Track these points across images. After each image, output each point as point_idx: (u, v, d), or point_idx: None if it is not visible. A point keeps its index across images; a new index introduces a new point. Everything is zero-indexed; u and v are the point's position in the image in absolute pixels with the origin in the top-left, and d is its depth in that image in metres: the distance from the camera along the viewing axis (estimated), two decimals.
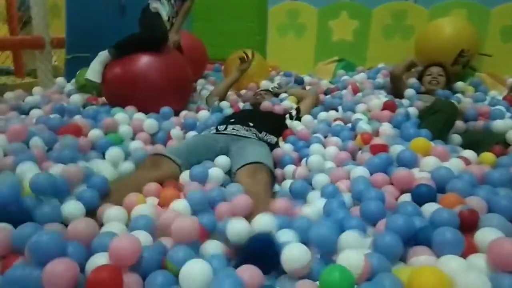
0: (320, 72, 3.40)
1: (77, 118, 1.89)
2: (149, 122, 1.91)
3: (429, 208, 1.11)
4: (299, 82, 3.03)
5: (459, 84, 2.76)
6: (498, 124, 1.98)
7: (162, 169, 1.43)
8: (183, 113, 2.23)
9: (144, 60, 2.13)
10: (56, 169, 1.29)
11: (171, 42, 2.35)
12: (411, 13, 3.47)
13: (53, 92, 2.57)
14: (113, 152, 1.58)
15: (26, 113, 2.14)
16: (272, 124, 1.95)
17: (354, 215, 1.14)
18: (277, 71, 3.51)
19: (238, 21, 3.94)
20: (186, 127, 2.07)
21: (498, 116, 2.10)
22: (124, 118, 1.93)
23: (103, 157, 1.61)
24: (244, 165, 1.44)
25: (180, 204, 1.18)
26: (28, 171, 1.27)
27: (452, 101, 2.17)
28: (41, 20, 2.77)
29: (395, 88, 2.57)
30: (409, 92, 2.47)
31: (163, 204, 1.24)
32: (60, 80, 2.71)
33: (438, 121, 1.91)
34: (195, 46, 3.19)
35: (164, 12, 2.36)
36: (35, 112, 2.07)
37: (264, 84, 2.94)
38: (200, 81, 3.14)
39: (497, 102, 2.38)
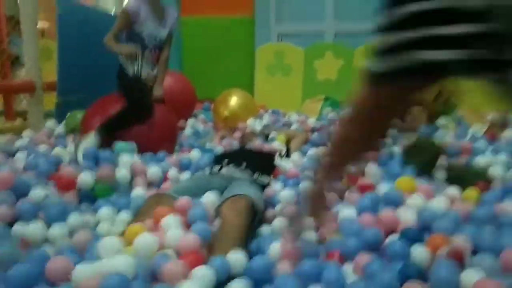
0: (307, 110, 3.49)
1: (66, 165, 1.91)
2: (154, 170, 1.90)
3: (417, 249, 1.14)
4: (288, 125, 3.11)
5: (441, 121, 2.86)
6: (479, 160, 2.05)
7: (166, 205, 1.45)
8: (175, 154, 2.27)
9: None
10: None
11: (155, 98, 2.34)
12: None
13: (43, 134, 2.59)
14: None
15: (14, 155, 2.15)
16: (264, 164, 1.99)
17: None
18: (265, 110, 3.60)
19: (227, 61, 4.08)
20: (182, 168, 2.09)
21: (480, 152, 2.17)
22: (125, 160, 1.92)
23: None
24: (227, 198, 1.46)
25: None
26: None
27: (434, 139, 2.25)
28: (33, 65, 2.82)
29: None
30: (392, 131, 2.56)
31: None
32: (50, 123, 2.73)
33: (421, 161, 1.97)
34: (184, 86, 3.27)
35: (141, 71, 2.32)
36: (21, 156, 2.08)
37: (251, 123, 3.00)
38: (190, 120, 3.19)
39: (478, 138, 2.46)
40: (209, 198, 1.52)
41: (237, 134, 2.78)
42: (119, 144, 1.94)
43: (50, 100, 3.27)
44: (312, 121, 3.07)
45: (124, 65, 2.28)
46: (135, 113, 2.19)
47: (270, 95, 3.81)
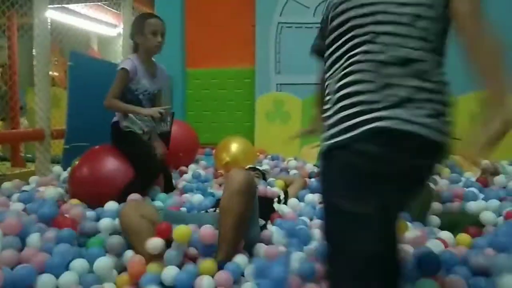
0: (305, 155, 3.59)
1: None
2: None
3: None
4: (286, 170, 3.20)
5: None
6: (472, 206, 2.11)
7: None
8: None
9: (114, 163, 2.27)
10: None
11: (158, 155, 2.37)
12: None
13: (49, 180, 2.68)
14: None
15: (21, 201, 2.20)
16: (261, 208, 2.05)
17: None
18: (264, 155, 3.70)
19: (228, 110, 4.25)
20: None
21: (472, 197, 2.24)
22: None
23: None
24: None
25: None
26: None
27: (428, 184, 2.32)
28: (44, 114, 2.96)
29: None
30: None
31: None
32: (57, 168, 2.83)
33: (415, 205, 2.03)
34: (187, 133, 3.40)
35: (137, 127, 2.36)
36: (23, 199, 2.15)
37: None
38: (191, 166, 3.28)
39: (471, 184, 2.54)
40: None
41: None
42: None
43: (58, 146, 3.39)
44: (309, 167, 3.16)
45: (123, 123, 2.32)
46: (147, 180, 2.25)
47: (270, 141, 3.92)
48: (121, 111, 2.32)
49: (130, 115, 2.34)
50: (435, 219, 2.07)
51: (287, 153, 3.66)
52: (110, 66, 3.50)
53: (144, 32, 2.30)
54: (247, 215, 1.54)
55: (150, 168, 2.29)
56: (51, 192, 2.20)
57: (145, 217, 1.60)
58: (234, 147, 3.25)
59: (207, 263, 1.44)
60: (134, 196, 2.04)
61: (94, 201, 2.09)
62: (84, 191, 2.22)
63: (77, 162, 2.38)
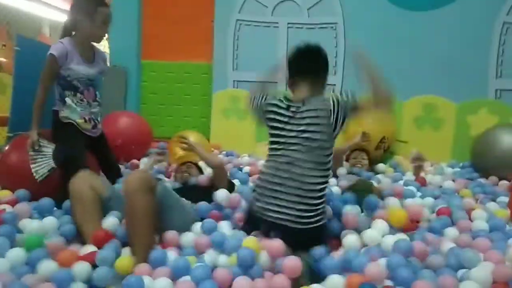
0: (259, 152, 3.65)
1: None
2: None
3: None
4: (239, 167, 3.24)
5: (380, 166, 3.11)
6: (409, 202, 2.25)
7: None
8: None
9: None
10: None
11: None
12: None
13: None
14: None
15: None
16: (200, 195, 2.06)
17: None
18: (219, 151, 3.72)
19: (185, 104, 4.22)
20: None
21: (410, 195, 2.39)
22: None
23: None
24: None
25: None
26: None
27: (371, 181, 2.46)
28: None
29: (334, 165, 2.82)
30: (341, 170, 2.85)
31: None
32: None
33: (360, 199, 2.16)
34: (140, 126, 3.35)
35: (76, 115, 2.27)
36: None
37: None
38: (143, 159, 3.24)
39: (410, 183, 2.70)
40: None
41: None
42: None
43: (1, 135, 3.23)
44: (262, 163, 3.22)
45: (62, 112, 2.24)
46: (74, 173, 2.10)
47: (225, 137, 3.95)
48: (36, 103, 2.24)
49: (68, 102, 2.24)
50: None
51: (242, 150, 3.71)
52: None
53: (94, 19, 2.18)
54: (152, 211, 1.54)
55: (77, 167, 2.06)
56: None
57: (93, 189, 1.66)
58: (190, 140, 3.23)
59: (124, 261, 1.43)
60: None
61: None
62: (13, 181, 2.17)
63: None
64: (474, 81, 3.65)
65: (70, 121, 2.25)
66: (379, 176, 2.91)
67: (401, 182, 2.77)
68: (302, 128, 1.65)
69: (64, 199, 1.91)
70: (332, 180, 2.62)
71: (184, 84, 4.20)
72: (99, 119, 2.42)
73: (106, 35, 2.36)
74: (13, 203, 2.01)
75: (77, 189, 1.63)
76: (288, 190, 1.60)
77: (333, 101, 1.65)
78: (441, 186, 2.71)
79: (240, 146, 3.79)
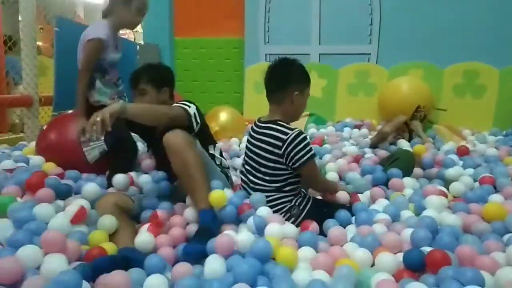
0: (293, 125, 3.64)
1: None
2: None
3: None
4: None
5: (402, 142, 3.03)
6: (449, 172, 2.21)
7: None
8: None
9: None
10: None
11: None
12: (373, 73, 3.83)
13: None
14: None
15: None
16: None
17: None
18: None
19: (217, 80, 4.25)
20: None
21: (450, 165, 2.33)
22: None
23: None
24: None
25: None
26: None
27: (409, 151, 2.41)
28: (31, 80, 2.94)
29: (378, 142, 2.80)
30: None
31: None
32: None
33: (398, 168, 2.14)
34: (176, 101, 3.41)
35: (106, 97, 2.31)
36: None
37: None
38: None
39: (449, 152, 2.63)
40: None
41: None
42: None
43: (47, 114, 3.38)
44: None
45: (92, 97, 2.26)
46: (124, 154, 2.21)
47: (259, 112, 3.92)
48: (79, 90, 2.26)
49: (98, 85, 2.28)
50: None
51: None
52: None
53: (130, 6, 2.23)
54: (201, 163, 1.59)
55: (127, 149, 2.25)
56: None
57: (118, 205, 1.64)
58: (223, 116, 3.29)
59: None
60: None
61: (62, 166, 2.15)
62: (50, 156, 2.25)
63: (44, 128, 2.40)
64: None
65: (102, 103, 2.29)
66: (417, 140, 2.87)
67: (439, 152, 2.71)
68: (255, 150, 1.68)
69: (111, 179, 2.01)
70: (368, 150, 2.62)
71: (216, 59, 4.23)
72: (125, 97, 2.47)
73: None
74: (61, 176, 2.11)
75: (102, 212, 1.60)
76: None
77: (287, 141, 1.58)
78: (483, 155, 2.62)
79: None
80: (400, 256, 1.31)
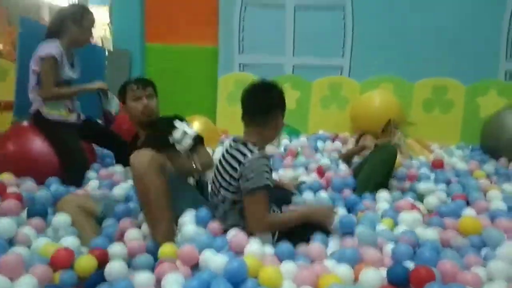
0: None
1: None
2: None
3: None
4: None
5: None
6: (422, 186, 2.23)
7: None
8: None
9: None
10: None
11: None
12: (345, 86, 3.88)
13: None
14: None
15: None
16: None
17: None
18: (226, 135, 3.68)
19: (190, 88, 4.17)
20: None
21: (424, 178, 2.36)
22: None
23: None
24: None
25: None
26: None
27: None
28: None
29: (348, 156, 2.80)
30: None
31: None
32: None
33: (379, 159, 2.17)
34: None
35: (62, 107, 2.33)
36: None
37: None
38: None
39: (422, 166, 2.67)
40: None
41: None
42: None
43: (6, 121, 3.18)
44: (269, 148, 3.21)
45: (45, 109, 2.25)
46: (75, 173, 2.20)
47: (232, 122, 3.90)
48: (68, 96, 2.29)
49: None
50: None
51: None
52: None
53: (82, 25, 2.28)
54: (165, 189, 1.49)
55: (76, 161, 2.23)
56: None
57: (82, 208, 1.61)
58: (196, 126, 3.20)
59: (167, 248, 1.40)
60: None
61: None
62: (8, 167, 2.17)
63: None
64: (484, 62, 3.62)
65: (57, 120, 2.27)
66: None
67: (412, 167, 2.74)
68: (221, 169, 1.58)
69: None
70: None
71: (189, 67, 4.14)
72: (79, 111, 2.47)
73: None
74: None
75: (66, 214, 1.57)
76: None
77: (245, 163, 1.47)
78: (453, 169, 2.68)
79: None
80: (383, 271, 1.28)
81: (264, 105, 1.59)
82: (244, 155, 1.49)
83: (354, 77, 3.86)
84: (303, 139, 3.37)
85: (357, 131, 3.43)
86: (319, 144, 3.26)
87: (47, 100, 2.22)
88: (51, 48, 2.20)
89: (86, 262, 1.30)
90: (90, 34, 2.35)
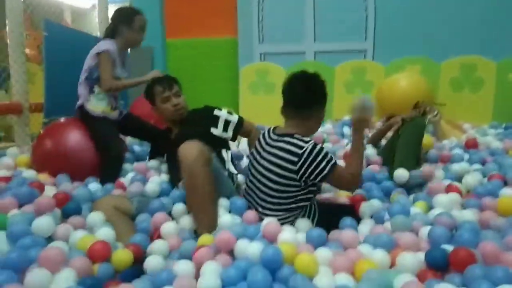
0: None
1: None
2: None
3: None
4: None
5: None
6: (455, 168, 2.16)
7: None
8: None
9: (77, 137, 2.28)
10: None
11: None
12: (370, 70, 3.79)
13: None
14: None
15: None
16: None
17: None
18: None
19: (212, 81, 4.18)
20: None
21: (457, 159, 2.28)
22: None
23: None
24: None
25: None
26: None
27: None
28: (20, 87, 2.84)
29: (376, 139, 2.76)
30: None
31: None
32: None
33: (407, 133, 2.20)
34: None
35: (105, 103, 2.33)
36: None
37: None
38: None
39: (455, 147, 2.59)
40: None
41: None
42: None
43: (37, 121, 3.28)
44: None
45: (89, 105, 2.28)
46: (115, 163, 2.24)
47: (254, 112, 3.89)
48: (127, 87, 2.41)
49: (97, 91, 2.31)
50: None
51: (272, 124, 3.63)
52: (87, 37, 3.37)
53: (133, 26, 2.32)
54: (211, 181, 1.52)
55: (112, 153, 2.24)
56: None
57: (118, 208, 1.62)
58: None
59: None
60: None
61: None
62: (47, 165, 2.22)
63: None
64: None
65: (100, 115, 2.30)
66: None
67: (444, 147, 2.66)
68: (265, 164, 1.58)
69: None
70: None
71: (210, 60, 4.15)
72: (122, 108, 2.52)
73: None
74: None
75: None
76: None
77: (303, 156, 1.48)
78: (488, 148, 2.59)
79: (270, 120, 3.71)
80: (420, 255, 1.25)
81: (309, 98, 1.58)
82: (299, 147, 1.50)
83: (378, 60, 3.77)
84: (328, 125, 3.33)
85: (384, 115, 3.35)
86: (345, 130, 3.21)
87: (108, 92, 2.28)
88: (107, 45, 2.27)
89: (123, 255, 1.32)
90: (142, 34, 2.40)
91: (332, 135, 3.03)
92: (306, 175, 1.50)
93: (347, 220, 1.58)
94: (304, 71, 1.63)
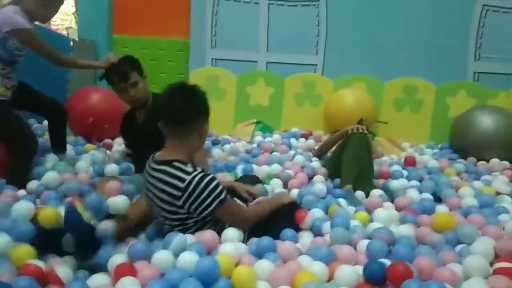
0: (239, 132, 3.54)
1: None
2: None
3: None
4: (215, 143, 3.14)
5: None
6: (395, 183, 2.23)
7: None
8: None
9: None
10: None
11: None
12: (319, 84, 3.85)
13: None
14: None
15: None
16: None
17: None
18: None
19: (160, 83, 3.95)
20: None
21: (397, 176, 2.36)
22: None
23: None
24: None
25: None
26: None
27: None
28: None
29: (321, 152, 2.78)
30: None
31: None
32: None
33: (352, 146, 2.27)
34: (113, 104, 3.14)
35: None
36: None
37: None
38: (118, 139, 3.07)
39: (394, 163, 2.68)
40: None
41: None
42: None
43: None
44: (244, 144, 3.17)
45: None
46: (26, 158, 2.01)
47: None
48: (77, 66, 2.28)
49: None
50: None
51: (222, 130, 3.58)
52: None
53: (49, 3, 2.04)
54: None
55: (25, 143, 2.02)
56: None
57: None
58: None
59: None
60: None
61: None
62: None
63: None
64: (453, 63, 3.68)
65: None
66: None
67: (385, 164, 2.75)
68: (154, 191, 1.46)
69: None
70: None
71: (159, 61, 3.99)
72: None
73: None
74: None
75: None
76: None
77: (190, 185, 1.37)
78: (425, 167, 2.71)
79: (220, 126, 3.65)
80: (358, 269, 1.24)
81: (190, 112, 1.42)
82: (181, 179, 1.37)
83: (327, 75, 3.84)
84: (276, 136, 3.32)
85: (330, 131, 3.41)
86: (293, 141, 3.22)
87: (60, 66, 2.15)
88: (22, 19, 1.96)
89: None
90: (50, 10, 2.09)
91: (281, 145, 3.02)
92: (191, 210, 1.39)
93: (288, 232, 1.54)
94: (183, 83, 1.50)
